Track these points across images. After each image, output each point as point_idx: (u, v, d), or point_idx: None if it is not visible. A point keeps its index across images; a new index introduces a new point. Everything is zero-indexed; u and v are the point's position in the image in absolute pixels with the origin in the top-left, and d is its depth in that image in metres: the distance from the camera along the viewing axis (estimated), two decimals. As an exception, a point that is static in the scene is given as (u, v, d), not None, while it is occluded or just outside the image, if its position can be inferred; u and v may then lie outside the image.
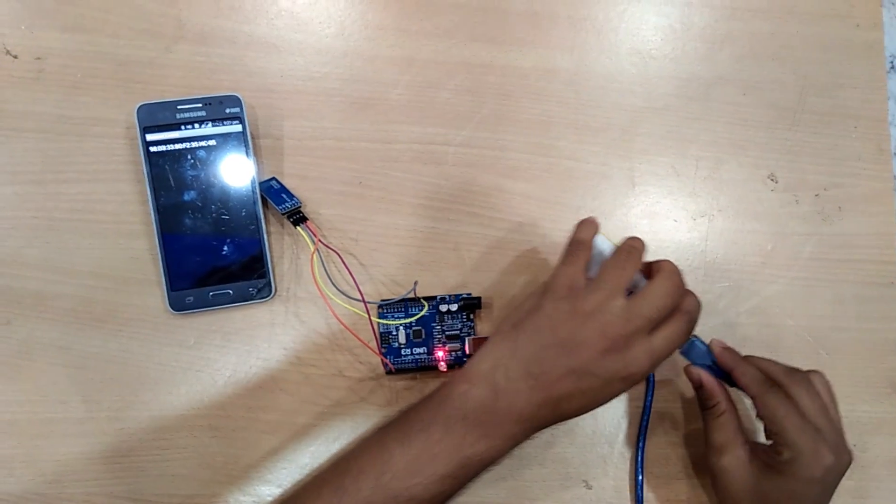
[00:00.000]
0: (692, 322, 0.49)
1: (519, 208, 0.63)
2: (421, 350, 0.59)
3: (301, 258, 0.60)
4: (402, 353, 0.59)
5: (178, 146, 0.58)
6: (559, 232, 0.62)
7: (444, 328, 0.60)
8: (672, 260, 0.50)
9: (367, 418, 0.59)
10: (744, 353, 0.55)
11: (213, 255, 0.58)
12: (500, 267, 0.62)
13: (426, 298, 0.60)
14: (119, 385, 0.58)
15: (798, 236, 0.64)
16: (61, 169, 0.59)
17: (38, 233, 0.59)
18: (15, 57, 0.60)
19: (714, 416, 0.53)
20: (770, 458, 0.51)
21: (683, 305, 0.49)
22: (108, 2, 0.61)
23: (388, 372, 0.59)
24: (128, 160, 0.60)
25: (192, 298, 0.58)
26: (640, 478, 0.59)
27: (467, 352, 0.59)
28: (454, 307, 0.59)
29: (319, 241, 0.59)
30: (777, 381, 0.52)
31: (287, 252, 0.60)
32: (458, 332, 0.60)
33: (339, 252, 0.59)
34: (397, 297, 0.59)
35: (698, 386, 0.54)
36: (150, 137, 0.58)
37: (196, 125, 0.58)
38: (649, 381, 0.60)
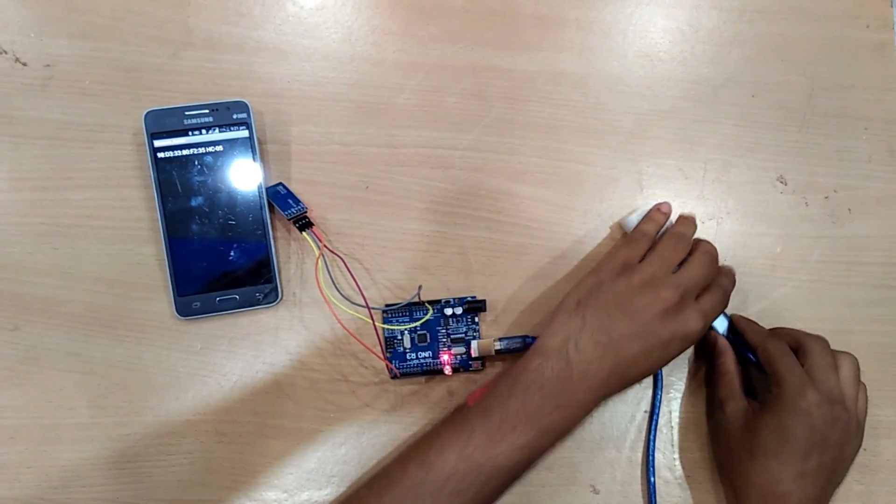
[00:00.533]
0: (729, 289, 0.57)
1: (526, 212, 0.62)
2: (426, 354, 0.59)
3: (307, 263, 0.60)
4: (408, 357, 0.59)
5: (185, 152, 0.58)
6: (567, 235, 0.62)
7: (449, 332, 0.60)
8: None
9: (372, 423, 0.59)
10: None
11: (220, 261, 0.58)
12: (508, 271, 0.62)
13: (430, 302, 0.60)
14: (126, 390, 0.58)
15: (808, 239, 0.64)
16: (69, 175, 0.60)
17: (46, 239, 0.59)
18: (24, 64, 0.60)
19: (720, 373, 0.58)
20: (763, 399, 0.55)
21: (719, 278, 0.56)
22: (116, 9, 0.62)
23: (394, 377, 0.59)
24: (135, 166, 0.60)
25: (198, 304, 0.58)
26: (653, 479, 0.58)
27: (472, 355, 0.58)
28: (459, 310, 0.59)
29: (325, 246, 0.58)
30: (796, 340, 0.56)
31: (293, 257, 0.60)
32: (462, 335, 0.60)
33: (343, 257, 0.59)
34: (402, 302, 0.59)
35: (713, 345, 0.59)
36: (157, 143, 0.58)
37: (203, 131, 0.58)
38: (658, 380, 0.60)
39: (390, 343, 0.59)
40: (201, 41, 0.62)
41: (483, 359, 0.59)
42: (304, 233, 0.58)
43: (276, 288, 0.59)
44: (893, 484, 0.61)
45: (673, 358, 0.53)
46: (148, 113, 0.58)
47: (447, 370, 0.58)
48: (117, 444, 0.57)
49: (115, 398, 0.58)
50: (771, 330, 0.59)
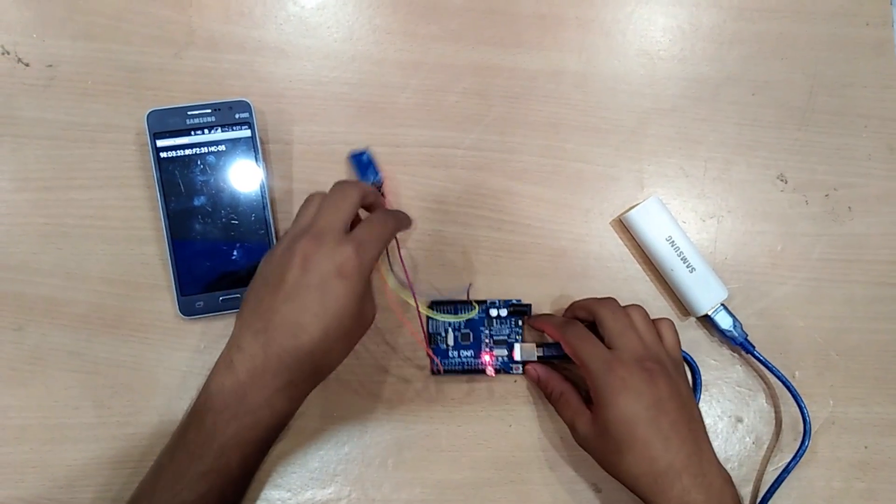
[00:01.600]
0: (386, 219, 0.52)
1: (528, 211, 0.63)
2: (468, 353, 0.59)
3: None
4: (450, 354, 0.59)
5: (188, 152, 0.58)
6: (568, 234, 0.62)
7: (493, 333, 0.60)
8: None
9: (375, 422, 0.59)
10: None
11: (223, 260, 0.58)
12: (509, 270, 0.62)
13: (477, 302, 0.60)
14: (130, 390, 0.58)
15: (808, 237, 0.64)
16: (72, 175, 0.60)
17: (50, 239, 0.59)
18: (27, 65, 0.61)
19: (553, 400, 0.58)
20: (591, 396, 0.53)
21: (377, 212, 0.53)
22: (118, 9, 0.62)
23: (436, 372, 0.59)
24: (138, 166, 0.60)
25: (202, 303, 0.58)
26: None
27: (515, 358, 0.59)
28: (503, 312, 0.59)
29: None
30: (590, 311, 0.55)
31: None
32: (505, 337, 0.60)
33: (397, 240, 0.59)
34: (448, 298, 0.60)
35: (536, 381, 0.59)
36: (160, 143, 0.58)
37: (206, 131, 0.59)
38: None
39: (433, 339, 0.60)
40: (203, 41, 0.62)
41: (524, 363, 0.59)
42: None
43: (278, 287, 0.59)
44: (895, 482, 0.61)
45: (343, 307, 0.47)
46: (150, 113, 0.58)
47: (490, 371, 0.59)
48: (122, 444, 0.58)
49: (119, 398, 0.58)
50: (568, 309, 0.59)
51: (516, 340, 0.60)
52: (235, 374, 0.47)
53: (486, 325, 0.60)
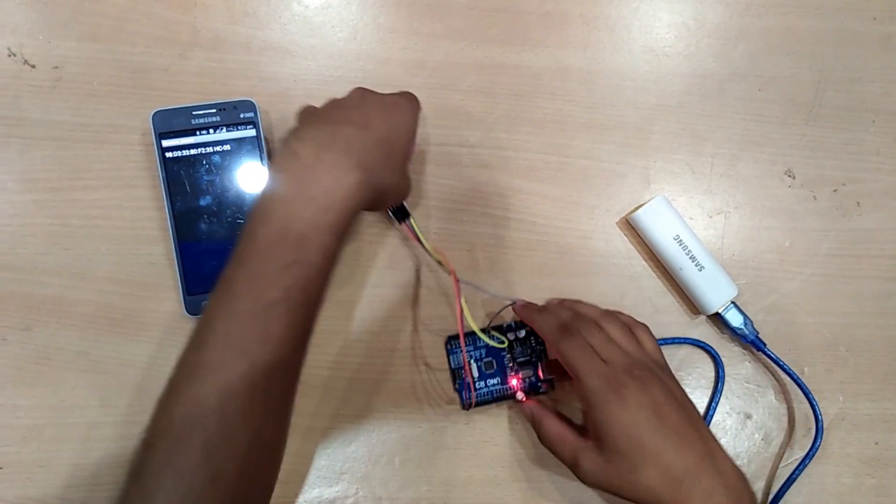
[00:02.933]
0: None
1: (534, 208, 0.62)
2: (494, 381, 0.59)
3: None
4: (476, 386, 0.58)
5: (193, 152, 0.58)
6: (574, 231, 0.62)
7: (515, 355, 0.59)
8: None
9: (382, 420, 0.59)
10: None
11: (229, 259, 0.59)
12: (516, 268, 0.62)
13: (494, 328, 0.60)
14: (137, 389, 0.58)
15: (816, 232, 0.64)
16: (78, 176, 0.60)
17: (57, 239, 0.59)
18: (33, 67, 0.61)
19: (550, 442, 0.53)
20: (588, 417, 0.50)
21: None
22: (123, 10, 0.62)
23: (466, 407, 0.59)
24: (144, 166, 0.60)
25: (208, 303, 0.58)
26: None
27: (541, 376, 0.59)
28: (521, 333, 0.59)
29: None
30: (570, 326, 0.53)
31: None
32: (528, 357, 0.59)
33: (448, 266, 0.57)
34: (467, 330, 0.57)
35: (528, 418, 0.56)
36: (165, 143, 0.58)
37: (211, 130, 0.59)
38: None
39: (458, 374, 0.59)
40: (208, 41, 0.62)
41: (552, 379, 0.59)
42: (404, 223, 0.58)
43: (284, 286, 0.59)
44: (905, 477, 0.61)
45: (411, 137, 0.53)
46: (156, 113, 0.58)
47: (520, 395, 0.58)
48: (129, 443, 0.57)
49: (126, 397, 0.58)
50: (552, 307, 0.57)
51: (540, 359, 0.59)
52: (300, 160, 0.45)
53: (506, 350, 0.59)
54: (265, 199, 0.45)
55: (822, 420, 0.59)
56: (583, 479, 0.50)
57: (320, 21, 0.64)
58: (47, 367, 0.58)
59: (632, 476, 0.47)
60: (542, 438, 0.54)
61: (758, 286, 0.63)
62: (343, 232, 0.46)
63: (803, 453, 0.59)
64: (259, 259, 0.44)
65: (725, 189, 0.64)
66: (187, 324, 0.59)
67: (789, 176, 0.64)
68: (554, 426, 0.53)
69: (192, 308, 0.58)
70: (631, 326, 0.54)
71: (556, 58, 0.64)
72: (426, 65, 0.64)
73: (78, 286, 0.59)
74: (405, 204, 0.57)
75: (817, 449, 0.59)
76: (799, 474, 0.59)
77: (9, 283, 0.59)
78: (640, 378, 0.49)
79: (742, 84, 0.65)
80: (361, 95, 0.52)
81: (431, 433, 0.59)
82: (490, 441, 0.60)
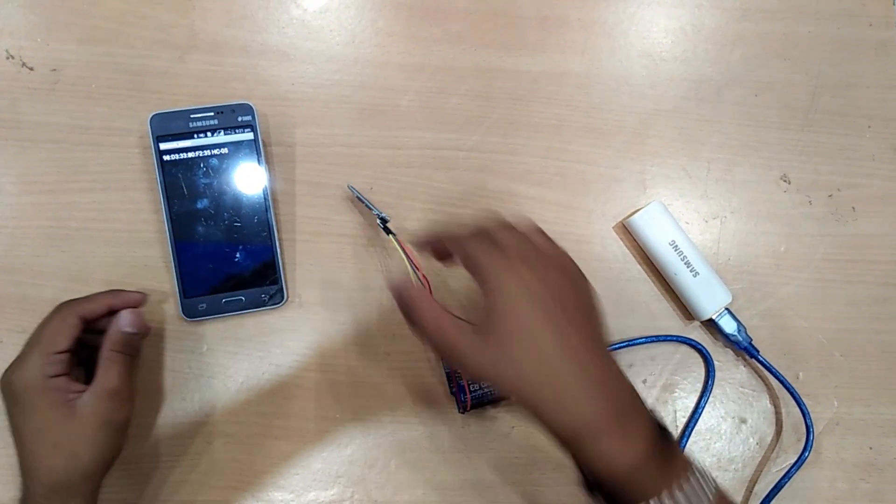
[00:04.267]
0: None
1: (530, 212, 0.63)
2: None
3: (312, 265, 0.60)
4: (472, 389, 0.58)
5: (190, 154, 0.59)
6: (570, 235, 0.62)
7: None
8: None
9: (378, 423, 0.59)
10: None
11: (226, 263, 0.59)
12: (512, 271, 0.62)
13: None
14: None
15: (811, 237, 0.64)
16: (76, 178, 0.60)
17: (54, 241, 0.59)
18: (31, 69, 0.61)
19: (433, 330, 0.44)
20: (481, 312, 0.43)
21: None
22: (121, 13, 0.62)
23: (463, 411, 0.58)
24: (141, 169, 0.60)
25: (204, 305, 0.58)
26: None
27: None
28: None
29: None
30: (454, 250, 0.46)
31: (299, 258, 0.60)
32: None
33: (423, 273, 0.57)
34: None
35: (399, 300, 0.45)
36: (163, 146, 0.58)
37: (209, 134, 0.59)
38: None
39: (452, 378, 0.59)
40: (206, 44, 0.62)
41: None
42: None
43: (281, 289, 0.59)
44: (899, 482, 0.61)
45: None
46: (153, 116, 0.58)
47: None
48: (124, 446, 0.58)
49: (122, 400, 0.58)
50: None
51: None
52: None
53: None
54: None
55: (812, 427, 0.59)
56: (461, 366, 0.44)
57: (318, 25, 0.64)
58: (44, 369, 0.58)
59: (506, 357, 0.42)
60: (416, 321, 0.44)
61: (753, 291, 0.63)
62: None
63: (797, 458, 0.60)
64: None
65: (721, 194, 0.64)
66: (183, 326, 0.59)
67: (785, 181, 0.64)
68: (430, 307, 0.44)
69: (188, 311, 0.58)
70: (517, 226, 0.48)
71: (553, 62, 0.65)
72: (424, 69, 0.64)
73: (74, 289, 0.59)
74: (388, 225, 0.57)
75: (807, 456, 0.59)
76: (787, 481, 0.59)
77: (5, 285, 0.59)
78: (540, 266, 0.44)
79: (738, 89, 0.65)
80: None
81: (427, 437, 0.59)
82: (486, 444, 0.60)
